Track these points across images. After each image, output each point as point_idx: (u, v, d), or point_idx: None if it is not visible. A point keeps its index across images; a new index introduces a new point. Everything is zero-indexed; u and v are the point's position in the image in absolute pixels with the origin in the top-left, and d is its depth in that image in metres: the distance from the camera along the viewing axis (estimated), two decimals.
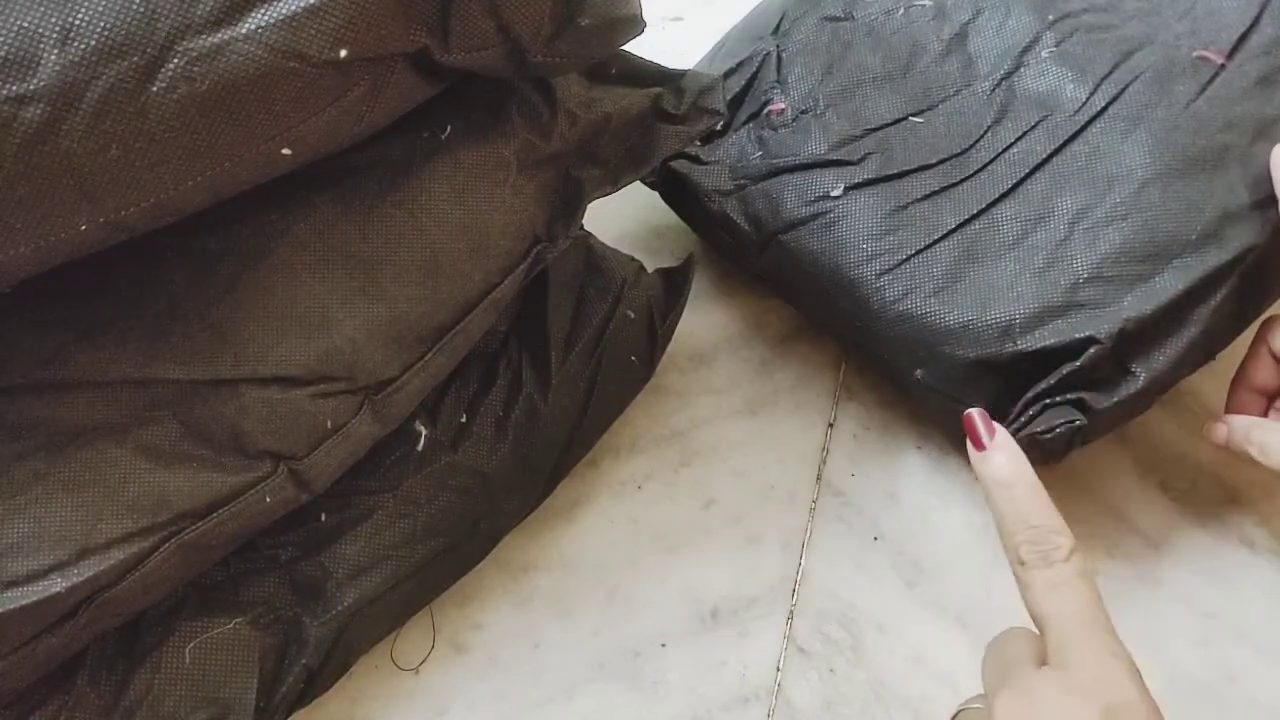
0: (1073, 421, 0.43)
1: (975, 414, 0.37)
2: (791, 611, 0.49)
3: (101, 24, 0.27)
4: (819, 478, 0.52)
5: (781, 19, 0.55)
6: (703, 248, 0.59)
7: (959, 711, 0.36)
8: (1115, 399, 0.44)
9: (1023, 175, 0.48)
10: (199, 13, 0.28)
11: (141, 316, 0.34)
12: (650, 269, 0.51)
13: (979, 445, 0.36)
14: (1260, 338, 0.48)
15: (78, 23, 0.27)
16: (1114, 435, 0.50)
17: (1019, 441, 0.44)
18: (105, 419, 0.34)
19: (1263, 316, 0.48)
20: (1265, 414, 0.47)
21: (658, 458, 0.53)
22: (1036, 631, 0.34)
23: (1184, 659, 0.47)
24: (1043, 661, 0.33)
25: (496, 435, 0.45)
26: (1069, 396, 0.44)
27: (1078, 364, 0.44)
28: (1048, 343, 0.44)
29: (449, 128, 0.39)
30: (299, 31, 0.30)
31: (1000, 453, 0.36)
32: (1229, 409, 0.48)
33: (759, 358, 0.56)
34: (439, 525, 0.44)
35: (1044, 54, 0.50)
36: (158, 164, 0.29)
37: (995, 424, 0.37)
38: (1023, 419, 0.45)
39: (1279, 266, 0.47)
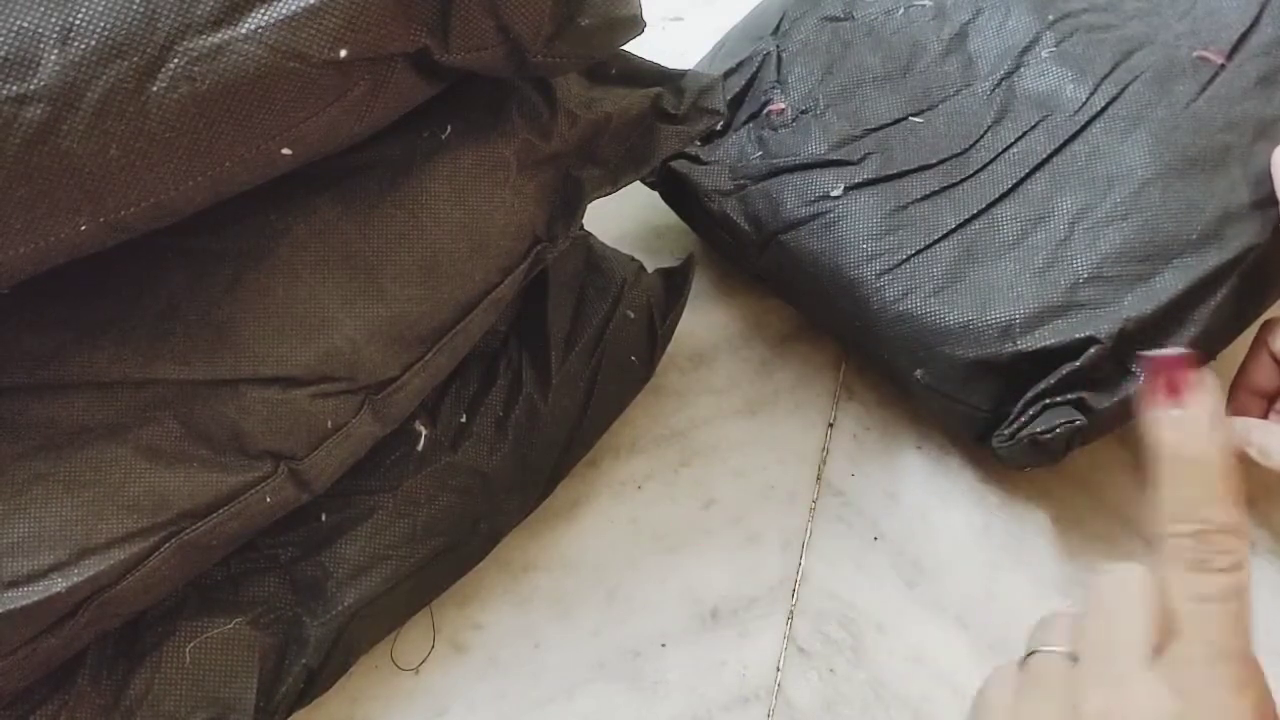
0: (1073, 421, 0.43)
1: (1170, 356, 0.28)
2: (791, 611, 0.49)
3: (101, 24, 0.27)
4: (819, 478, 0.52)
5: (781, 19, 0.55)
6: (703, 248, 0.59)
7: (1031, 653, 0.31)
8: (1115, 399, 0.44)
9: (1023, 175, 0.48)
10: (199, 13, 0.28)
11: (141, 316, 0.34)
12: (650, 269, 0.51)
13: (1175, 395, 0.28)
14: (1260, 340, 0.48)
15: (78, 23, 0.27)
16: (1114, 435, 0.50)
17: (1019, 441, 0.45)
18: (105, 419, 0.34)
19: (1263, 317, 0.48)
20: (1265, 416, 0.47)
21: (658, 458, 0.53)
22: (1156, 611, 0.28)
23: None
24: (1157, 652, 0.28)
25: (496, 435, 0.45)
26: (1069, 396, 0.44)
27: (1078, 364, 0.44)
28: (1048, 343, 0.44)
29: (449, 128, 0.39)
30: (299, 31, 0.30)
31: (1199, 418, 0.28)
32: (1229, 411, 0.48)
33: (759, 358, 0.56)
34: (439, 525, 0.44)
35: (1044, 54, 0.50)
36: (158, 164, 0.29)
37: (1190, 371, 0.28)
38: (1022, 419, 0.45)
39: (1279, 266, 0.47)
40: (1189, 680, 0.27)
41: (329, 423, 0.38)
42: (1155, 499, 0.29)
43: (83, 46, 0.27)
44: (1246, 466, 0.46)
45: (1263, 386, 0.47)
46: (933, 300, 0.46)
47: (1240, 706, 0.27)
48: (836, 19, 0.54)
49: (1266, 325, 0.48)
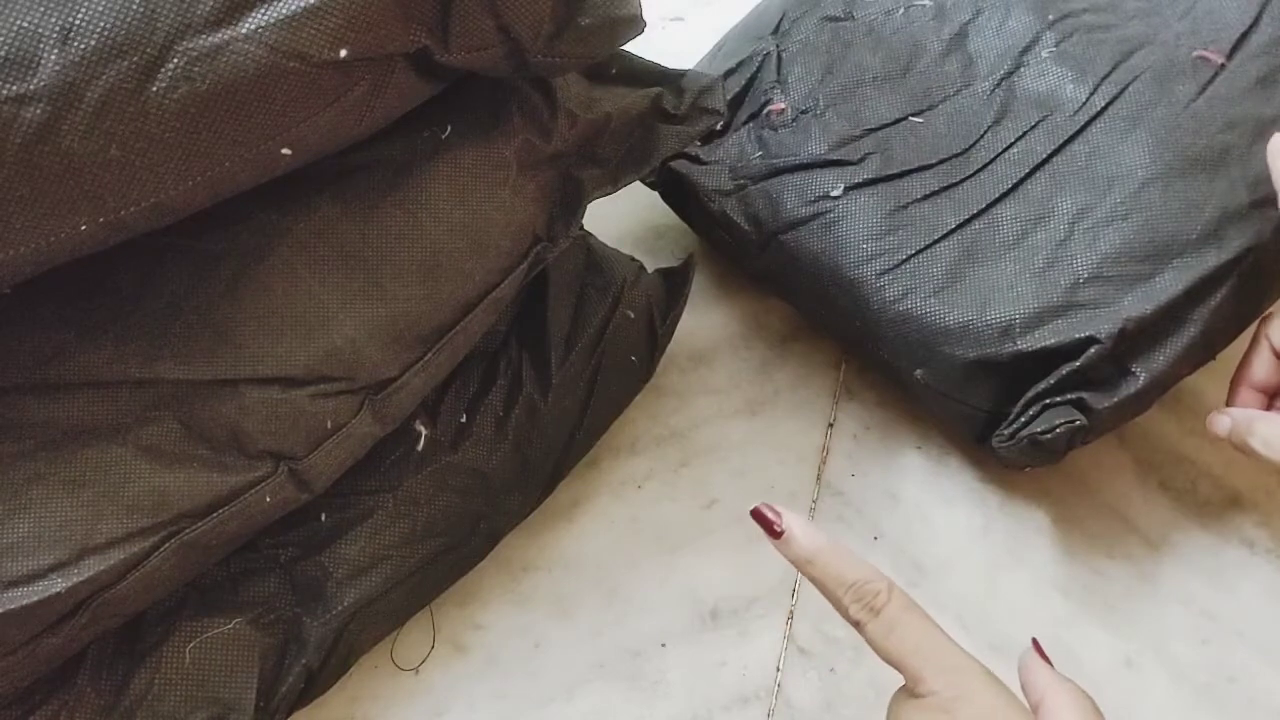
0: (1073, 422, 0.43)
1: (761, 508, 0.37)
2: (791, 611, 0.49)
3: (101, 24, 0.27)
4: (819, 478, 0.52)
5: (781, 19, 0.55)
6: (703, 248, 0.59)
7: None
8: (1115, 399, 0.44)
9: (1023, 175, 0.48)
10: (199, 13, 0.28)
11: (141, 316, 0.34)
12: (650, 269, 0.51)
13: (774, 534, 0.36)
14: (1260, 333, 0.47)
15: (78, 23, 0.27)
16: (1114, 435, 0.50)
17: (1019, 441, 0.45)
18: (105, 419, 0.34)
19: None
20: (1267, 410, 0.47)
21: (658, 458, 0.53)
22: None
23: (1184, 659, 0.47)
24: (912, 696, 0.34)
25: (496, 435, 0.45)
26: (1069, 396, 0.44)
27: (1078, 364, 0.44)
28: (1048, 343, 0.44)
29: (449, 128, 0.39)
30: (299, 31, 0.30)
31: (794, 532, 0.36)
32: (1229, 407, 0.48)
33: (759, 358, 0.56)
34: (439, 525, 0.44)
35: (1044, 54, 0.50)
36: (158, 164, 0.29)
37: (777, 508, 0.37)
38: (1023, 419, 0.45)
39: (1279, 266, 0.47)
40: (924, 685, 0.34)
41: (329, 423, 0.38)
42: (826, 599, 0.36)
43: (83, 46, 0.27)
44: (1247, 466, 0.46)
45: (1263, 381, 0.47)
46: (933, 300, 0.46)
47: (968, 681, 0.33)
48: (836, 19, 0.54)
49: (1266, 319, 0.47)
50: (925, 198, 0.48)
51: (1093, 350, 0.44)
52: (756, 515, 0.37)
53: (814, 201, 0.49)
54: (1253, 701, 0.46)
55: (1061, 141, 0.48)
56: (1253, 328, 0.48)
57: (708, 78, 0.47)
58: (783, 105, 0.52)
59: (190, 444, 0.35)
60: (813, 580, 0.36)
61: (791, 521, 0.36)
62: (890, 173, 0.49)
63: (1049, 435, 0.44)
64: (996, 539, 0.50)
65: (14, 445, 0.33)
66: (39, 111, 0.27)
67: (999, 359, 0.45)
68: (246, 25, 0.29)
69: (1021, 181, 0.48)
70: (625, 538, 0.50)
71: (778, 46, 0.54)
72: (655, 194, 0.55)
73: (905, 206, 0.48)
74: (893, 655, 0.34)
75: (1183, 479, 0.52)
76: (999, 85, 0.50)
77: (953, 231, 0.47)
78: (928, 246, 0.47)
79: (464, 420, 0.45)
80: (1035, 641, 0.38)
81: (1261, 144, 0.47)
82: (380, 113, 0.34)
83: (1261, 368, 0.47)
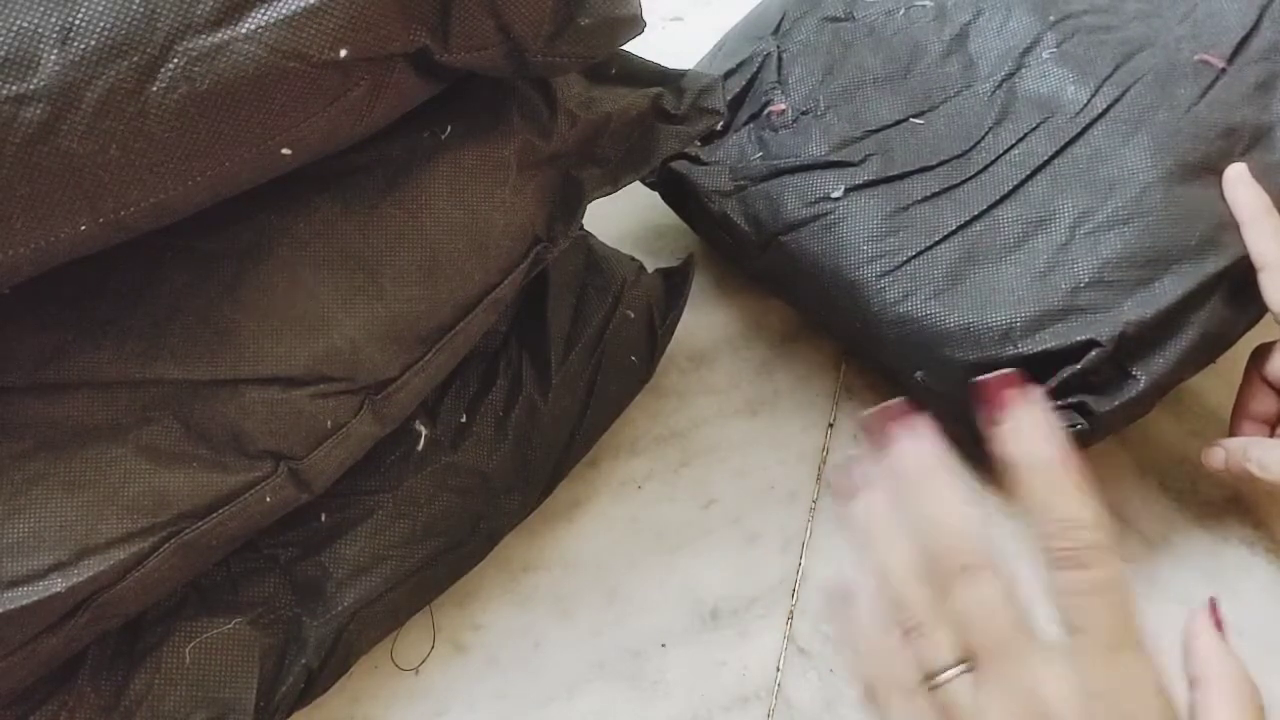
0: (1074, 425, 0.43)
1: (994, 377, 0.30)
2: (791, 611, 0.49)
3: (101, 24, 0.27)
4: (819, 478, 0.52)
5: (782, 19, 0.55)
6: (703, 248, 0.59)
7: (933, 685, 0.30)
8: (1116, 402, 0.44)
9: (1024, 177, 0.48)
10: (199, 13, 0.28)
11: (141, 316, 0.34)
12: (650, 269, 0.51)
13: (1002, 409, 0.29)
14: (1252, 368, 0.48)
15: (78, 23, 0.27)
16: (1114, 436, 0.50)
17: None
18: (105, 419, 0.34)
19: (1261, 321, 0.48)
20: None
21: (658, 458, 0.53)
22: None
23: None
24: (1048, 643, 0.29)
25: (496, 435, 0.45)
26: (1070, 400, 0.44)
27: (1078, 367, 0.44)
28: (1048, 346, 0.44)
29: (449, 128, 0.39)
30: (299, 31, 0.29)
31: (1022, 426, 0.29)
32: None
33: (759, 358, 0.56)
34: (439, 525, 0.44)
35: (1045, 55, 0.50)
36: (158, 164, 0.29)
37: (1015, 387, 0.30)
38: None
39: None
40: (1093, 671, 0.28)
41: (329, 423, 0.38)
42: (1023, 511, 0.30)
43: (82, 46, 0.27)
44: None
45: (1261, 413, 0.47)
46: (933, 302, 0.46)
47: (1144, 693, 0.28)
48: (837, 19, 0.54)
49: (1256, 353, 0.48)
50: (926, 199, 0.48)
51: (1093, 354, 0.44)
52: (984, 387, 0.30)
53: (814, 203, 0.49)
54: None
55: (1063, 144, 0.48)
56: (1256, 328, 0.48)
57: (708, 78, 0.47)
58: (783, 106, 0.52)
59: (190, 444, 0.35)
60: (1021, 491, 0.30)
61: (1030, 408, 0.29)
62: (891, 174, 0.49)
63: None
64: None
65: (14, 445, 0.33)
66: (39, 111, 0.27)
67: (999, 362, 0.45)
68: (246, 25, 0.29)
69: (1022, 183, 0.48)
70: (625, 538, 0.50)
71: (778, 47, 0.54)
72: (655, 194, 0.55)
73: (906, 208, 0.48)
74: (1070, 622, 0.29)
75: (1183, 479, 0.52)
76: (1000, 86, 0.50)
77: (953, 233, 0.47)
78: (928, 248, 0.47)
79: (464, 420, 0.45)
80: (1213, 601, 0.33)
81: (1257, 151, 0.47)
82: (380, 113, 0.34)
83: (1257, 401, 0.47)
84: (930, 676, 0.30)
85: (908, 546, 0.31)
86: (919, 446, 0.31)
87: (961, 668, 0.30)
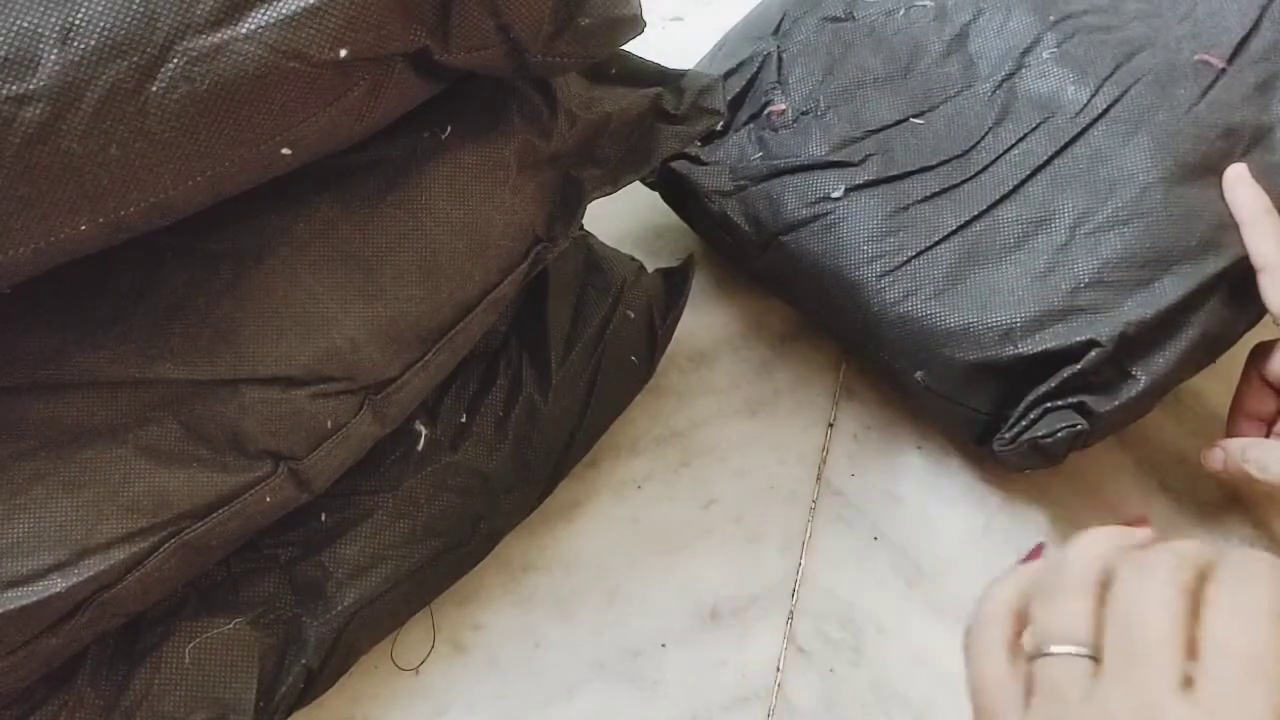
0: (1074, 425, 0.43)
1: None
2: (791, 611, 0.49)
3: (101, 24, 0.27)
4: (819, 478, 0.52)
5: (782, 19, 0.55)
6: (703, 248, 0.59)
7: (1044, 653, 0.29)
8: (1116, 402, 0.44)
9: (1024, 177, 0.48)
10: (199, 13, 0.28)
11: (141, 316, 0.34)
12: (650, 269, 0.51)
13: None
14: (1250, 366, 0.48)
15: (78, 23, 0.27)
16: (1114, 436, 0.50)
17: (1020, 445, 0.45)
18: (105, 419, 0.34)
19: (1260, 323, 0.48)
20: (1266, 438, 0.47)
21: (658, 458, 0.53)
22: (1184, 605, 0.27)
23: None
24: (1187, 680, 0.26)
25: (496, 435, 0.45)
26: (1070, 400, 0.44)
27: (1078, 367, 0.44)
28: (1048, 346, 0.44)
29: (449, 128, 0.39)
30: (299, 31, 0.29)
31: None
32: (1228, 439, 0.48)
33: (759, 358, 0.56)
34: (439, 525, 0.44)
35: (1045, 55, 0.50)
36: (158, 164, 0.29)
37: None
38: (1024, 423, 0.45)
39: None
40: (1222, 707, 0.25)
41: (329, 423, 0.38)
42: None
43: (83, 46, 0.27)
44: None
45: (1259, 411, 0.47)
46: (934, 302, 0.46)
47: None
48: (837, 19, 0.54)
49: (1255, 350, 0.48)
50: (926, 199, 0.48)
51: (1093, 354, 0.44)
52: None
53: (815, 203, 0.49)
54: None
55: (1063, 144, 0.48)
56: (1256, 329, 0.48)
57: (708, 78, 0.47)
58: (783, 106, 0.52)
59: (190, 444, 0.35)
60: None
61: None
62: (891, 174, 0.49)
63: (1050, 439, 0.44)
64: (996, 539, 0.50)
65: (14, 445, 0.33)
66: (39, 111, 0.27)
67: (1000, 362, 0.45)
68: (246, 25, 0.29)
69: (1023, 183, 0.48)
70: (625, 538, 0.50)
71: (778, 47, 0.54)
72: (655, 194, 0.55)
73: (906, 208, 0.48)
74: (1215, 635, 0.26)
75: (1183, 479, 0.52)
76: (1000, 86, 0.50)
77: (954, 233, 0.47)
78: (929, 248, 0.47)
79: (464, 420, 0.45)
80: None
81: (1257, 151, 0.47)
82: (380, 113, 0.34)
83: (1255, 400, 0.47)
84: (1043, 645, 0.28)
85: (1112, 537, 0.30)
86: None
87: (1081, 649, 0.28)
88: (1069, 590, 0.29)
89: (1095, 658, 0.28)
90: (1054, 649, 0.28)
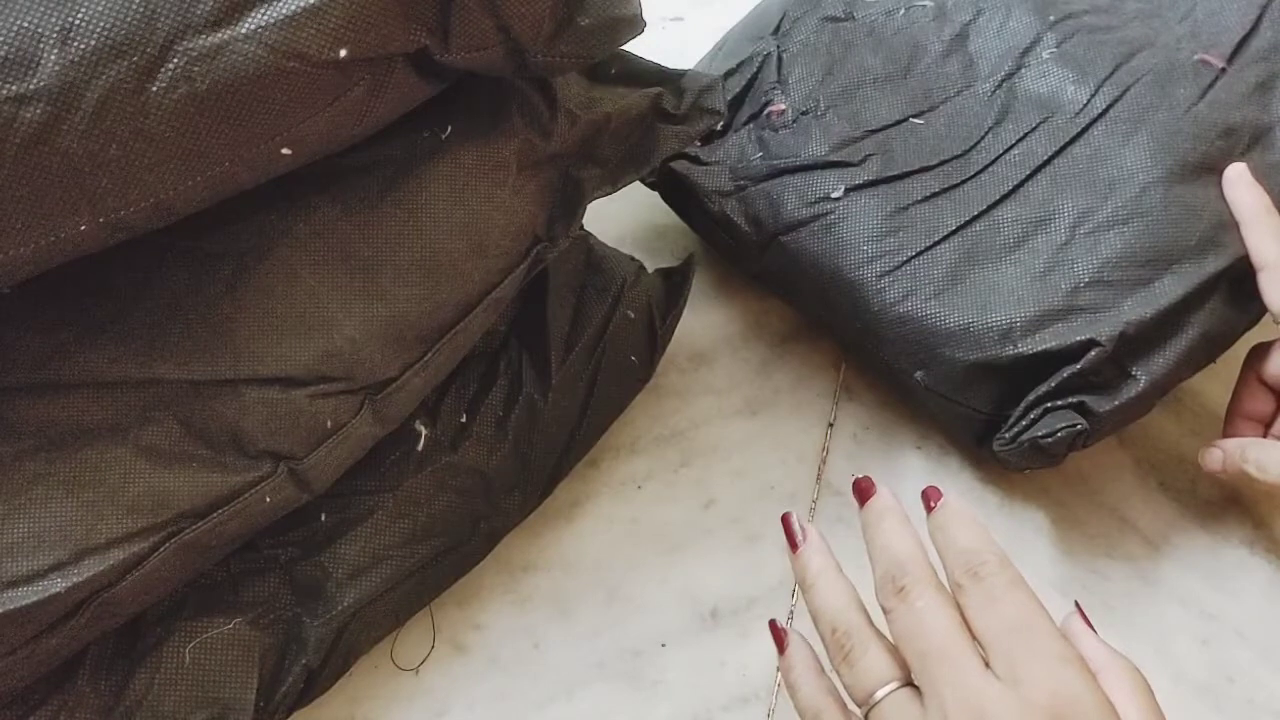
0: (1074, 425, 0.43)
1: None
2: (791, 611, 0.49)
3: (101, 24, 0.27)
4: (819, 478, 0.52)
5: (782, 19, 0.55)
6: (703, 248, 0.59)
7: (872, 707, 0.33)
8: (1116, 402, 0.44)
9: (1024, 177, 0.48)
10: (199, 13, 0.28)
11: (141, 317, 0.34)
12: (650, 269, 0.51)
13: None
14: (1248, 366, 0.48)
15: (78, 23, 0.27)
16: (1114, 435, 0.50)
17: (1020, 445, 0.45)
18: (105, 419, 0.34)
19: (1259, 324, 0.48)
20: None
21: (658, 458, 0.53)
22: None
23: (1184, 659, 0.47)
24: (986, 663, 0.31)
25: (496, 435, 0.45)
26: (1070, 400, 0.44)
27: (1078, 367, 0.44)
28: (1048, 346, 0.44)
29: (449, 128, 0.39)
30: (299, 31, 0.30)
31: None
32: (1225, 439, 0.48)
33: (759, 358, 0.56)
34: (439, 525, 0.44)
35: (1045, 55, 0.50)
36: (158, 164, 0.29)
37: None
38: (1023, 422, 0.45)
39: None
40: (1019, 670, 0.30)
41: (329, 423, 0.38)
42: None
43: (83, 46, 0.27)
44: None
45: (1257, 412, 0.48)
46: (933, 302, 0.46)
47: (1069, 677, 0.30)
48: (837, 19, 0.54)
49: (1253, 352, 0.48)
50: (926, 199, 0.48)
51: (1093, 353, 0.44)
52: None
53: (814, 203, 0.49)
54: (1252, 701, 0.46)
55: (1063, 143, 0.48)
56: (1256, 329, 0.48)
57: (708, 78, 0.47)
58: (783, 106, 0.52)
59: (190, 444, 0.35)
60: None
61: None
62: (891, 174, 0.49)
63: (1050, 439, 0.44)
64: (996, 539, 0.50)
65: (14, 445, 0.33)
66: (39, 111, 0.27)
67: (999, 362, 0.45)
68: (246, 25, 0.29)
69: (1022, 183, 0.48)
70: (625, 538, 0.50)
71: (778, 47, 0.54)
72: (655, 194, 0.55)
73: (906, 208, 0.48)
74: (983, 627, 0.32)
75: (1183, 479, 0.52)
76: (1000, 86, 0.50)
77: (953, 233, 0.47)
78: (928, 248, 0.47)
79: (464, 420, 0.45)
80: (1078, 606, 0.36)
81: (1256, 151, 0.47)
82: (380, 113, 0.34)
83: (1253, 400, 0.47)
84: (868, 698, 0.33)
85: (847, 587, 0.36)
86: (883, 493, 0.37)
87: (896, 684, 0.33)
88: (858, 646, 0.34)
89: (911, 683, 0.32)
90: (877, 694, 0.33)
